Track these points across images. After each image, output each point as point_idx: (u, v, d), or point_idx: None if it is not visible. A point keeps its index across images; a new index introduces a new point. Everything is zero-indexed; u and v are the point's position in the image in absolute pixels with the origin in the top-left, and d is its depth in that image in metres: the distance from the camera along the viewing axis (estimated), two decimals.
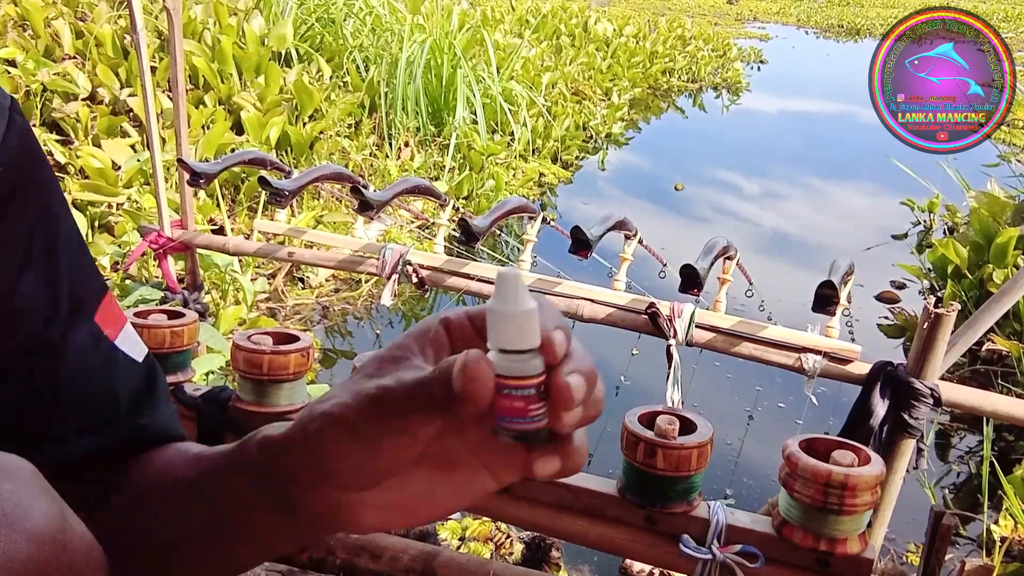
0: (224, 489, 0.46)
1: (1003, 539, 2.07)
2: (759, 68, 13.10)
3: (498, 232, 4.54)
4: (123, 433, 0.54)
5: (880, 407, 1.44)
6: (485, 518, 2.11)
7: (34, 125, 3.86)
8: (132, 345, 0.55)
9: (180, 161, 2.19)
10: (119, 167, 3.71)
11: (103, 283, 0.55)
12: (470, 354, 0.36)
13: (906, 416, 1.43)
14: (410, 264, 1.94)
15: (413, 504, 0.42)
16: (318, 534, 0.44)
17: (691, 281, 1.59)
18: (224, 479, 0.46)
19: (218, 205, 3.80)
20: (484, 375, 0.36)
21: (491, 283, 1.89)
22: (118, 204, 3.60)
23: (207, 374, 2.42)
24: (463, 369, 0.36)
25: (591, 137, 7.21)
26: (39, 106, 3.95)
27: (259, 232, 3.25)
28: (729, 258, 1.79)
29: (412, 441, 0.39)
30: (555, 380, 0.37)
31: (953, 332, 1.41)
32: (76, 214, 3.27)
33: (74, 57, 4.39)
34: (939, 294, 3.78)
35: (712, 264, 1.66)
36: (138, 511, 0.51)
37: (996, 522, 2.21)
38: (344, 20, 5.93)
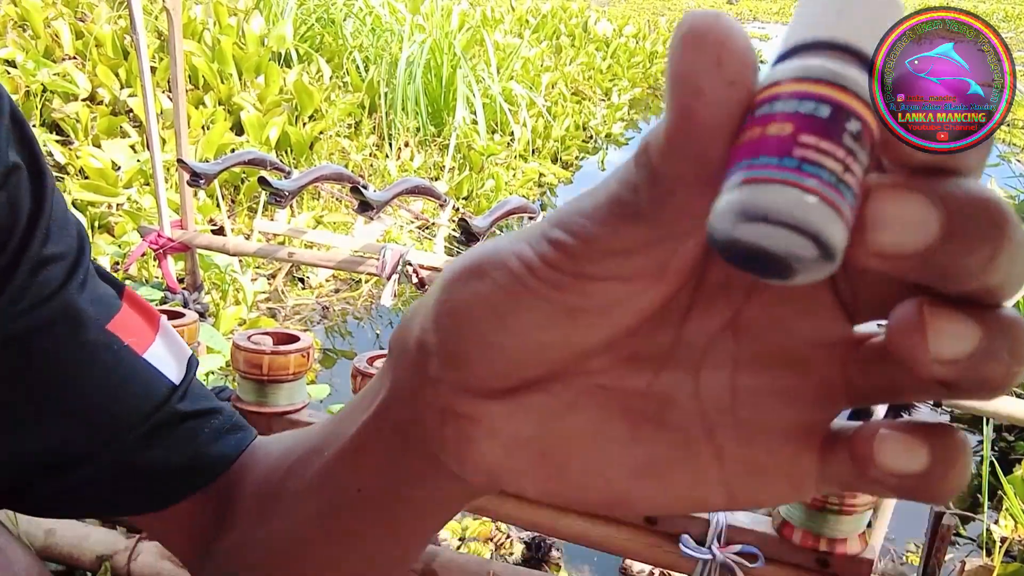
0: (349, 430, 0.34)
1: (1003, 539, 2.07)
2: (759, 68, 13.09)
3: (498, 232, 4.54)
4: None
5: (880, 407, 1.44)
6: (485, 518, 2.10)
7: (34, 125, 3.86)
8: (165, 358, 0.47)
9: (180, 161, 2.19)
10: (119, 167, 3.71)
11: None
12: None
13: (906, 416, 1.43)
14: (410, 264, 1.94)
15: (564, 454, 0.26)
16: (448, 483, 0.30)
17: None
18: (353, 418, 0.34)
19: (218, 205, 3.80)
20: (735, 38, 0.19)
21: None
22: (118, 204, 3.60)
23: (207, 374, 2.42)
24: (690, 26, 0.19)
25: (591, 137, 7.21)
26: (39, 106, 3.95)
27: (259, 232, 3.26)
28: None
29: (607, 303, 0.23)
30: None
31: None
32: (76, 214, 3.27)
33: (74, 57, 4.39)
34: None
35: None
36: (252, 533, 0.42)
37: (996, 522, 2.21)
38: (344, 20, 5.93)
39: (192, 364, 0.49)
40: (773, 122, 0.17)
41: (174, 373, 0.47)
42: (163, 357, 0.46)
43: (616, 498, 0.25)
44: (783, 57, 0.19)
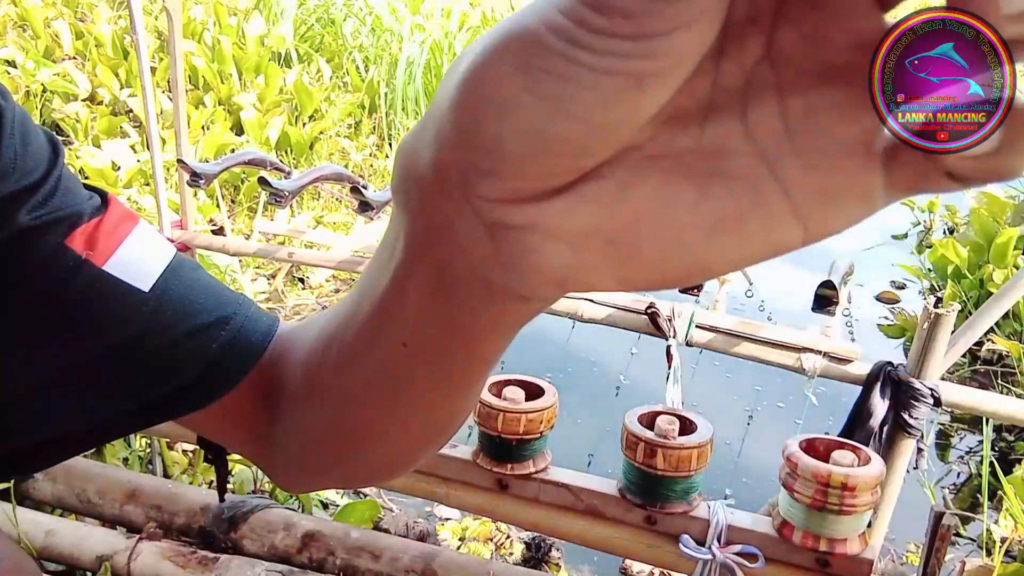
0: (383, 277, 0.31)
1: (1003, 539, 2.07)
2: None
3: None
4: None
5: (880, 407, 1.44)
6: (485, 518, 2.11)
7: None
8: (132, 268, 0.43)
9: (180, 161, 2.19)
10: (119, 167, 3.71)
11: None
12: None
13: (906, 416, 1.43)
14: None
15: (633, 236, 0.24)
16: (497, 301, 0.27)
17: None
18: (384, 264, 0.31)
19: (218, 205, 3.80)
20: None
21: None
22: None
23: None
24: None
25: None
26: (39, 106, 3.95)
27: (259, 232, 3.26)
28: None
29: (662, 64, 0.21)
30: None
31: (953, 332, 1.41)
32: None
33: (74, 58, 4.39)
34: (939, 294, 3.77)
35: None
36: (315, 412, 0.41)
37: (996, 522, 2.21)
38: (344, 20, 5.93)
39: (174, 270, 0.45)
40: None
41: (145, 280, 0.43)
42: (132, 264, 0.43)
43: (696, 264, 0.24)
44: None
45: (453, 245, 0.26)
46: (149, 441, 2.15)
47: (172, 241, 2.32)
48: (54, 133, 0.45)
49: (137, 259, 0.43)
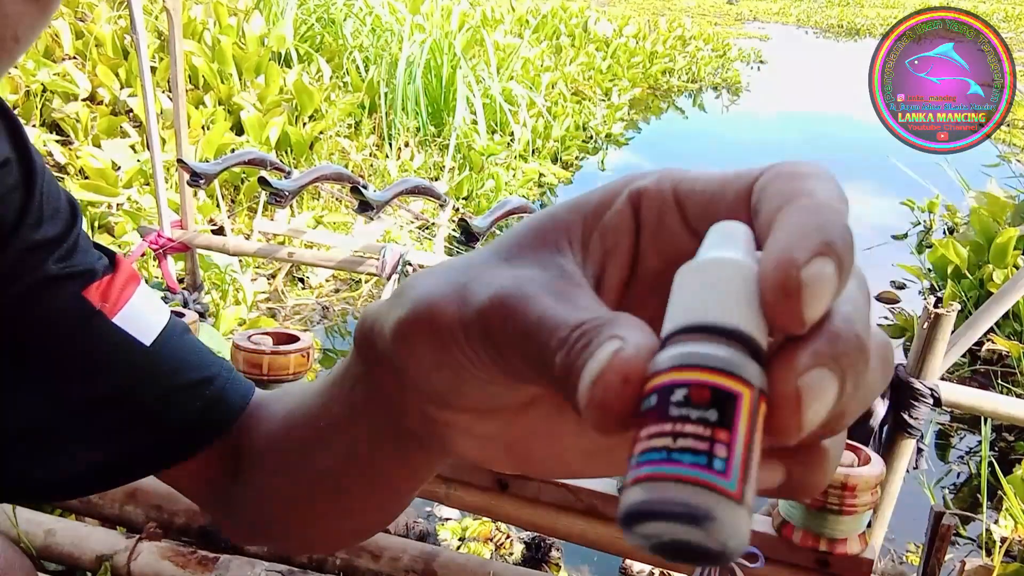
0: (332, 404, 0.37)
1: (1003, 539, 2.07)
2: (759, 68, 13.11)
3: (498, 232, 4.54)
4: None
5: (880, 407, 1.44)
6: (485, 518, 2.11)
7: (34, 125, 3.86)
8: (138, 322, 0.48)
9: (180, 161, 2.19)
10: (119, 167, 3.71)
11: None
12: (624, 345, 0.21)
13: (906, 416, 1.43)
14: (410, 264, 1.94)
15: (525, 447, 0.30)
16: (429, 456, 0.34)
17: None
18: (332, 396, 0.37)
19: (218, 205, 3.80)
20: (634, 357, 0.20)
21: None
22: (118, 204, 3.60)
23: None
24: (601, 375, 0.21)
25: (591, 137, 7.21)
26: (39, 106, 3.95)
27: (259, 232, 3.26)
28: None
29: (516, 388, 0.27)
30: (777, 377, 0.19)
31: (953, 332, 1.41)
32: None
33: (74, 57, 4.39)
34: (939, 294, 3.77)
35: None
36: (267, 491, 0.45)
37: (996, 522, 2.21)
38: (344, 20, 5.93)
39: (170, 329, 0.50)
40: (655, 420, 0.18)
41: (147, 335, 0.49)
42: (137, 320, 0.48)
43: (574, 474, 0.31)
44: (666, 339, 0.20)
45: (400, 409, 0.32)
46: None
47: (172, 241, 2.32)
48: (72, 195, 0.50)
49: (141, 316, 0.49)
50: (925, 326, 1.39)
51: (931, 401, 1.42)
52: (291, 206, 3.98)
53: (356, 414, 0.35)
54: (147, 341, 0.48)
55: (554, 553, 2.14)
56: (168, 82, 3.53)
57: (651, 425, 0.18)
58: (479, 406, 0.29)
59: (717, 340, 0.19)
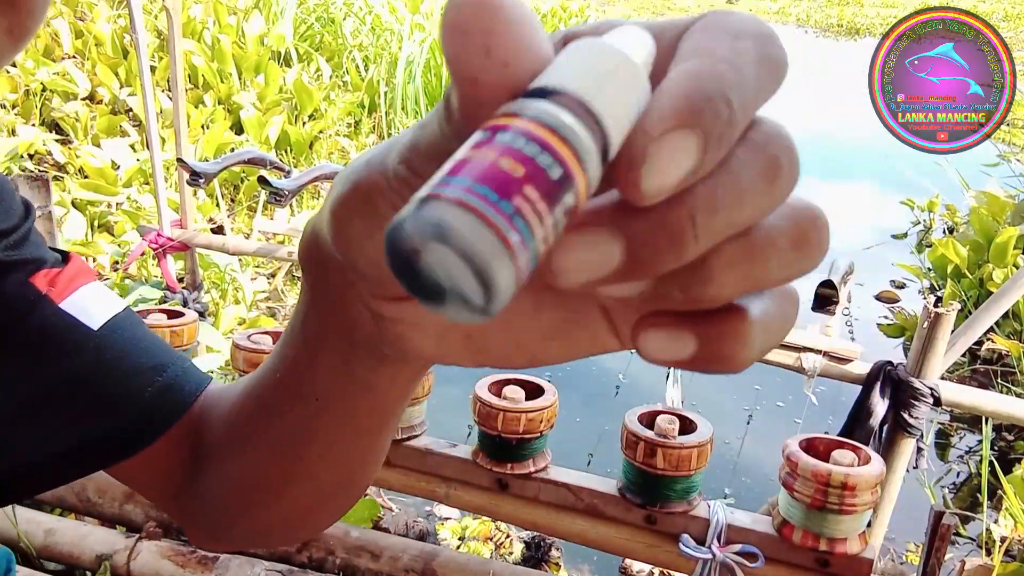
0: (294, 346, 0.36)
1: (1003, 539, 2.07)
2: None
3: None
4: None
5: (880, 407, 1.44)
6: (485, 518, 2.11)
7: (33, 125, 3.86)
8: (86, 308, 0.48)
9: (180, 160, 2.19)
10: (119, 166, 3.71)
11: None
12: None
13: (906, 416, 1.43)
14: None
15: (482, 333, 0.29)
16: (392, 369, 0.33)
17: None
18: (294, 334, 0.36)
19: (218, 204, 3.80)
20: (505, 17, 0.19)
21: None
22: (117, 203, 3.60)
23: (206, 373, 2.42)
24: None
25: None
26: (39, 105, 3.95)
27: (259, 231, 3.26)
28: None
29: None
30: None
31: (953, 332, 1.41)
32: (76, 213, 3.27)
33: (74, 57, 4.39)
34: (939, 293, 3.78)
35: None
36: (228, 467, 0.44)
37: (996, 521, 2.21)
38: (344, 20, 5.93)
39: (123, 318, 0.49)
40: (508, 156, 0.17)
41: (95, 321, 0.48)
42: (86, 307, 0.48)
43: (533, 359, 0.29)
44: (541, 91, 0.18)
45: (350, 318, 0.31)
46: None
47: (172, 240, 2.32)
48: (28, 199, 0.51)
49: (90, 303, 0.48)
50: (925, 325, 1.39)
51: (931, 400, 1.42)
52: (291, 205, 3.98)
53: (311, 348, 0.34)
54: (95, 326, 0.47)
55: (554, 553, 2.14)
56: (168, 81, 3.52)
57: (484, 146, 0.17)
58: None
59: (592, 128, 0.18)
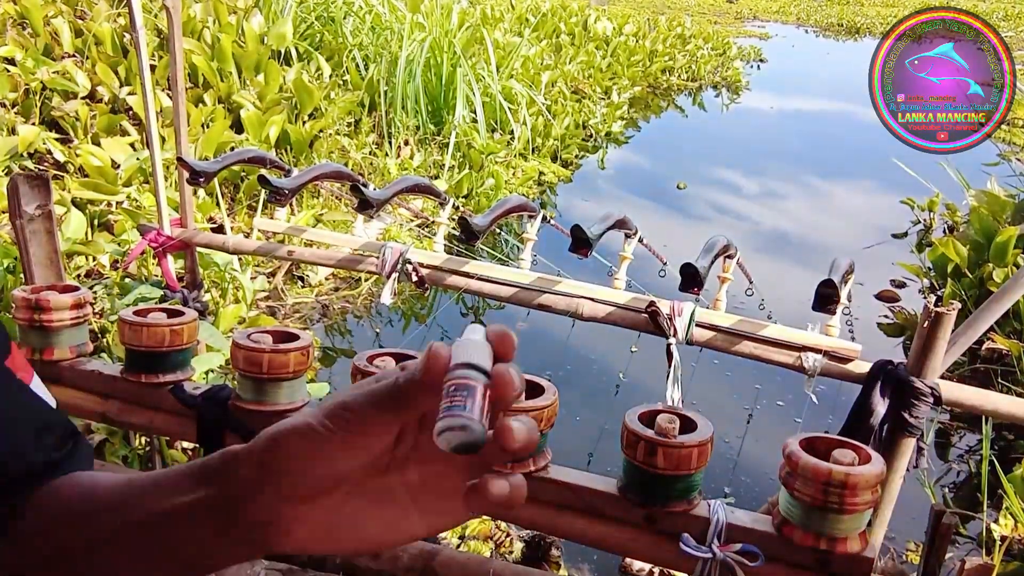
0: (162, 504, 0.47)
1: (1003, 538, 2.07)
2: (759, 67, 13.10)
3: (498, 231, 4.54)
4: (33, 464, 0.56)
5: (880, 406, 1.44)
6: (485, 517, 2.10)
7: (33, 124, 3.86)
8: (44, 393, 0.60)
9: (179, 159, 2.19)
10: (118, 165, 3.71)
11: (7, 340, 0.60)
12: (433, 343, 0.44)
13: (906, 415, 1.43)
14: (410, 263, 1.94)
15: (342, 529, 0.46)
16: (250, 549, 0.46)
17: (691, 280, 1.59)
18: (167, 495, 0.47)
19: (218, 204, 3.80)
20: (443, 352, 0.43)
21: (490, 281, 1.89)
22: (117, 203, 3.60)
23: (207, 372, 2.42)
24: (428, 350, 0.43)
25: (591, 136, 7.21)
26: (38, 104, 3.94)
27: (259, 230, 3.25)
28: (729, 257, 1.79)
29: (365, 445, 0.44)
30: (498, 374, 0.43)
31: (953, 331, 1.41)
32: (76, 212, 3.27)
33: (73, 55, 4.39)
34: (939, 293, 3.78)
35: (712, 263, 1.66)
36: (46, 535, 0.52)
37: (996, 521, 2.21)
38: (344, 19, 5.93)
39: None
40: (448, 394, 0.42)
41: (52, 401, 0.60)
42: (41, 388, 0.60)
43: (377, 545, 0.47)
44: (456, 366, 0.43)
45: (248, 515, 0.45)
46: (149, 439, 2.15)
47: (172, 239, 2.32)
48: None
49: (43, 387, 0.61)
50: (925, 325, 1.39)
51: (931, 400, 1.42)
52: (291, 204, 3.98)
53: (194, 513, 0.46)
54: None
55: (554, 552, 2.14)
56: (168, 80, 3.52)
57: (445, 398, 0.42)
58: (318, 486, 0.44)
59: (470, 368, 0.43)
